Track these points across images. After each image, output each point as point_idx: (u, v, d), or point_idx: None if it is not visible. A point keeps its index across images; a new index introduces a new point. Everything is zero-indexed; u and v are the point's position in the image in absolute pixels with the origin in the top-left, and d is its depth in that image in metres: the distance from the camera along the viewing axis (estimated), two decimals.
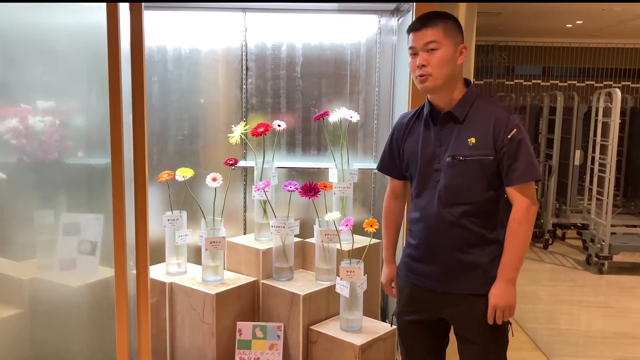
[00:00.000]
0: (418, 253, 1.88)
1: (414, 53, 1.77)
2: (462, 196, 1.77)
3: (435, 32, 1.72)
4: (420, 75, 1.75)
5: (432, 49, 1.72)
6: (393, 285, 2.06)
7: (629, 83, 8.90)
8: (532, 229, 1.78)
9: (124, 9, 2.17)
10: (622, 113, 6.26)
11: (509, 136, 1.71)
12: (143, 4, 2.17)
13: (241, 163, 2.99)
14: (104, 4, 2.13)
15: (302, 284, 2.57)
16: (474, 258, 1.78)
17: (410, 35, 1.77)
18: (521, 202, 1.73)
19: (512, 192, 1.75)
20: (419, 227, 1.87)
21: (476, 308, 1.79)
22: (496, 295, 1.75)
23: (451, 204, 1.78)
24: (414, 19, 1.81)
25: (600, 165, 5.45)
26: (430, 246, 1.84)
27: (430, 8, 2.23)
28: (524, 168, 1.71)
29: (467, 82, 1.82)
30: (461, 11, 3.42)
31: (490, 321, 1.76)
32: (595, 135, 5.56)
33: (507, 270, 1.75)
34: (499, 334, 1.82)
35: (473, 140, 1.74)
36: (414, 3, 2.26)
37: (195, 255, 3.00)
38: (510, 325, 1.86)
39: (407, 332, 1.98)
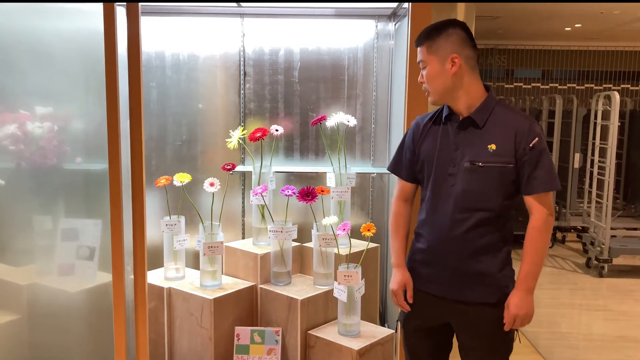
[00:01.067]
0: (426, 258, 1.86)
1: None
2: (478, 202, 1.76)
3: (421, 51, 1.80)
4: (425, 90, 1.85)
5: (424, 67, 1.81)
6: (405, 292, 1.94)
7: (628, 86, 8.90)
8: (550, 238, 1.79)
9: (121, 14, 2.18)
10: (622, 116, 6.27)
11: (530, 145, 1.71)
12: (140, 9, 2.18)
13: (239, 168, 2.99)
14: (101, 10, 2.14)
15: (300, 289, 2.57)
16: (485, 267, 1.78)
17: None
18: (540, 211, 1.74)
19: (531, 201, 1.75)
20: (429, 231, 1.85)
21: (485, 317, 1.79)
22: (516, 305, 1.74)
23: (467, 210, 1.77)
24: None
25: (600, 168, 5.45)
26: (440, 251, 1.82)
27: (426, 13, 2.24)
28: (544, 177, 1.72)
29: (487, 87, 1.82)
30: (459, 16, 3.43)
31: (507, 329, 1.77)
32: (594, 138, 5.56)
33: (527, 279, 1.75)
34: (504, 342, 1.82)
35: (493, 146, 1.74)
36: (409, 8, 2.26)
37: (193, 260, 3.00)
38: (517, 332, 1.85)
39: (413, 338, 1.97)
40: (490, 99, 1.80)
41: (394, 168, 2.03)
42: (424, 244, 1.87)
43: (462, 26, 1.78)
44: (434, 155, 1.84)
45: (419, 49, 1.81)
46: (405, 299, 1.92)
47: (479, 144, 1.76)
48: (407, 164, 1.96)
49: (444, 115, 1.85)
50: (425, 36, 1.79)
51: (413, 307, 1.91)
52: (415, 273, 1.91)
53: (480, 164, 1.74)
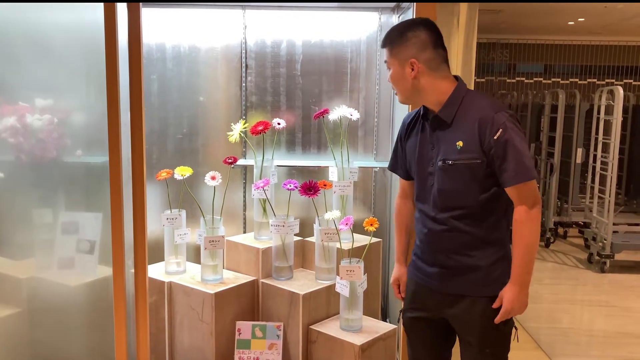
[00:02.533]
0: (421, 253, 1.88)
1: None
2: (455, 200, 1.75)
3: (385, 53, 1.79)
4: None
5: (388, 69, 1.81)
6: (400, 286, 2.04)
7: (631, 81, 8.86)
8: (538, 228, 1.73)
9: (121, 5, 2.15)
10: (624, 111, 6.22)
11: (495, 137, 1.65)
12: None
13: (240, 161, 2.97)
14: (101, 2, 2.11)
15: (302, 283, 2.55)
16: (474, 261, 1.76)
17: None
18: (520, 203, 1.70)
19: (510, 193, 1.71)
20: (420, 228, 1.87)
21: (474, 310, 1.78)
22: (510, 299, 1.72)
23: (445, 209, 1.77)
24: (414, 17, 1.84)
25: (602, 163, 5.43)
26: (430, 247, 1.84)
27: (430, 6, 2.21)
28: (514, 169, 1.65)
29: (456, 79, 1.78)
30: (462, 9, 3.39)
31: (497, 321, 1.75)
32: (597, 133, 5.54)
33: (519, 273, 1.72)
34: (498, 337, 1.80)
35: (461, 143, 1.71)
36: (414, 2, 2.23)
37: (194, 255, 2.99)
38: (516, 330, 1.84)
39: (411, 329, 1.98)
40: (457, 92, 1.74)
41: (392, 166, 2.05)
42: (418, 240, 1.90)
43: (427, 26, 1.74)
44: (415, 154, 1.85)
45: (384, 50, 1.80)
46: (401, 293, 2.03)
47: (449, 141, 1.74)
48: (400, 162, 1.98)
49: (421, 114, 1.85)
50: (387, 38, 1.78)
51: (414, 299, 1.94)
52: (415, 266, 1.93)
53: (450, 162, 1.72)
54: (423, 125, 1.84)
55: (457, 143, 1.71)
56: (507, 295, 1.73)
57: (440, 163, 1.75)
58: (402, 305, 2.04)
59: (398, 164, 2.00)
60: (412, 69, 1.73)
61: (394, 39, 1.76)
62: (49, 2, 2.32)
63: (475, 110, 1.71)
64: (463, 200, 1.74)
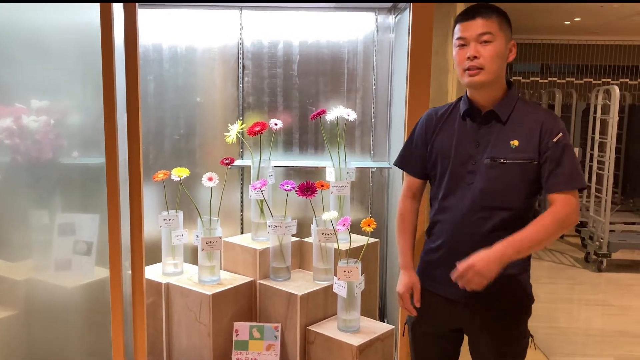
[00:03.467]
0: (439, 259, 1.77)
1: (463, 44, 1.66)
2: (500, 201, 1.66)
3: (490, 24, 1.62)
4: (470, 69, 1.64)
5: (486, 41, 1.62)
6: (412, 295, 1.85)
7: (627, 80, 8.88)
8: (558, 235, 1.64)
9: (118, 6, 2.15)
10: (621, 110, 6.26)
11: (554, 140, 1.62)
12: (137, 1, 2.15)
13: (238, 162, 2.97)
14: (97, 2, 2.11)
15: (300, 284, 2.55)
16: (505, 269, 1.60)
17: (459, 25, 1.67)
18: (563, 207, 1.60)
19: (555, 197, 1.62)
20: (443, 231, 1.76)
21: (501, 320, 1.72)
22: (479, 257, 1.55)
23: (487, 209, 1.67)
24: (465, 9, 1.69)
25: (599, 162, 5.44)
26: (454, 252, 1.69)
27: (428, 6, 2.21)
28: (569, 174, 1.60)
29: (508, 82, 1.73)
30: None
31: (453, 278, 1.59)
32: (593, 132, 5.55)
33: (509, 245, 1.56)
34: (518, 347, 1.75)
35: (516, 142, 1.65)
36: (411, 2, 2.23)
37: (191, 256, 2.98)
38: (532, 338, 1.79)
39: (421, 344, 1.91)
40: (512, 93, 1.71)
41: (402, 163, 1.92)
42: (437, 244, 1.77)
43: None
44: (450, 150, 1.74)
45: (483, 20, 1.62)
46: (413, 304, 1.84)
47: (500, 139, 1.67)
48: (417, 159, 1.85)
49: (462, 110, 1.75)
50: (496, 10, 1.65)
51: (424, 310, 1.83)
52: (428, 275, 1.82)
53: (502, 160, 1.65)
54: (463, 120, 1.75)
55: (512, 142, 1.65)
56: (480, 253, 1.56)
57: (487, 161, 1.67)
58: (407, 316, 1.92)
59: (412, 161, 1.88)
60: (510, 52, 1.68)
61: (502, 13, 1.65)
62: (47, 1, 2.31)
63: (535, 113, 1.68)
64: (508, 200, 1.66)
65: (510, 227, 1.63)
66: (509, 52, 1.68)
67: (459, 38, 1.67)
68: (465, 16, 1.66)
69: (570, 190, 1.61)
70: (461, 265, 1.57)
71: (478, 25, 1.63)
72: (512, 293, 1.72)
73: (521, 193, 1.66)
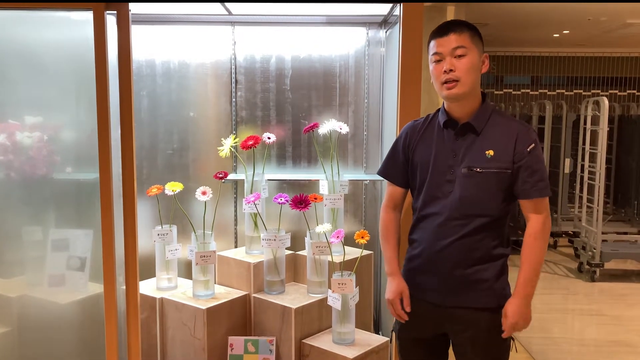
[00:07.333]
0: (421, 265, 1.84)
1: (439, 59, 1.74)
2: (478, 208, 1.75)
3: (463, 38, 1.72)
4: (447, 82, 1.73)
5: (460, 55, 1.71)
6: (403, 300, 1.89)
7: (616, 91, 8.98)
8: (547, 243, 1.79)
9: (111, 22, 2.17)
10: (610, 121, 6.32)
11: (527, 150, 1.72)
12: (131, 17, 2.18)
13: (231, 176, 2.98)
14: (91, 18, 2.12)
15: (294, 297, 2.55)
16: (480, 274, 1.77)
17: (434, 41, 1.75)
18: (537, 218, 1.76)
19: (527, 206, 1.76)
20: (424, 238, 1.82)
21: (480, 322, 1.77)
22: (515, 312, 1.73)
23: (465, 216, 1.76)
24: (438, 26, 1.77)
25: (590, 173, 5.49)
26: (435, 258, 1.80)
27: (417, 20, 2.25)
28: (539, 183, 1.73)
29: (482, 95, 1.81)
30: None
31: (505, 336, 1.76)
32: (584, 143, 5.60)
33: (525, 286, 1.74)
34: (501, 350, 1.81)
35: (491, 152, 1.74)
36: (401, 15, 2.27)
37: (185, 270, 2.98)
38: (514, 341, 1.84)
39: (408, 350, 1.95)
40: (487, 105, 1.80)
41: (386, 173, 1.98)
42: (418, 251, 1.84)
43: None
44: (429, 161, 1.82)
45: (456, 35, 1.71)
46: (403, 309, 1.87)
47: (477, 150, 1.76)
48: (399, 169, 1.93)
49: (441, 121, 1.82)
50: (465, 25, 1.74)
51: (409, 316, 1.87)
52: (412, 281, 1.87)
53: (478, 169, 1.74)
54: (440, 132, 1.82)
55: (487, 152, 1.74)
56: (511, 308, 1.74)
57: (464, 170, 1.75)
58: (394, 322, 1.97)
59: (394, 171, 1.94)
60: (483, 64, 1.77)
61: (473, 28, 1.74)
62: (45, 2, 2.32)
63: (507, 123, 1.77)
64: (485, 207, 1.75)
65: (487, 231, 1.76)
66: (482, 64, 1.77)
67: (435, 53, 1.76)
68: (439, 33, 1.75)
69: (542, 198, 1.75)
70: (506, 329, 1.75)
71: (452, 40, 1.72)
72: (489, 298, 1.78)
73: (497, 200, 1.76)
